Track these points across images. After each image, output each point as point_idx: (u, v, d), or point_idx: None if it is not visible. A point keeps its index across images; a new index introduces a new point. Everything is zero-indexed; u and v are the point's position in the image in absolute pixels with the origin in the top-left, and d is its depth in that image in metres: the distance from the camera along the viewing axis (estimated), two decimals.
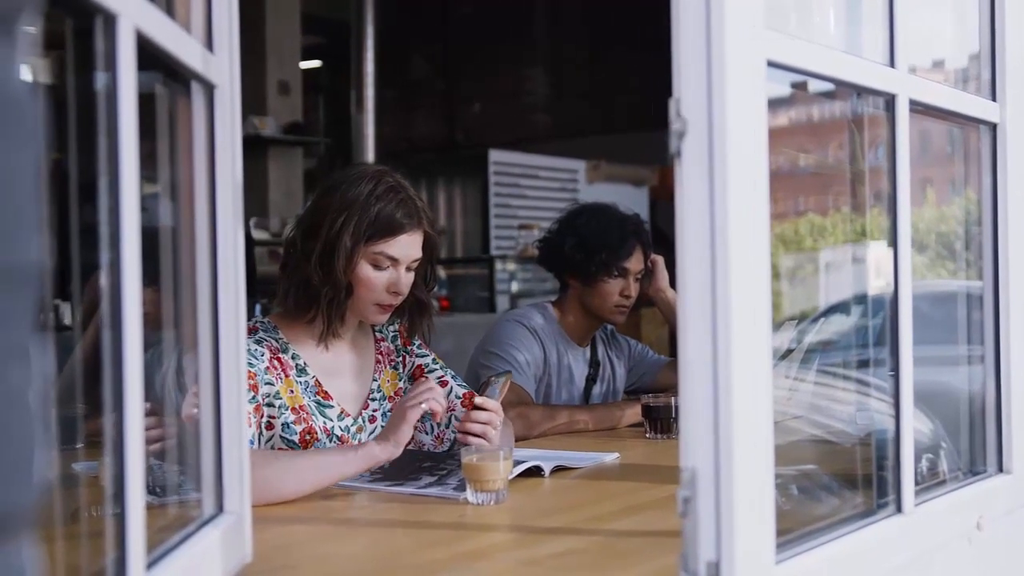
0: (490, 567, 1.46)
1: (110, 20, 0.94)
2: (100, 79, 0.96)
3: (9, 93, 0.52)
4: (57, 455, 1.03)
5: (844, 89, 1.52)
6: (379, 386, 2.20)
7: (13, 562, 0.53)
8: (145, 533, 0.98)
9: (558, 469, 2.07)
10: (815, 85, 1.46)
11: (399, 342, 2.27)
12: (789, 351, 1.84)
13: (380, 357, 2.23)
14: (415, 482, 1.92)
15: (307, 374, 2.09)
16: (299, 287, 2.07)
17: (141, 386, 0.97)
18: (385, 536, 1.66)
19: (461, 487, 1.82)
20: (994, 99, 1.72)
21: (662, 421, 2.54)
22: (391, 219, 2.03)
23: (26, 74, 0.54)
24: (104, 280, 0.96)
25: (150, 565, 1.03)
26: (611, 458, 2.24)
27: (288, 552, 1.52)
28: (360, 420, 2.14)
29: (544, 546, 1.53)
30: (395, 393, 2.22)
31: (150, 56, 1.05)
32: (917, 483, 1.47)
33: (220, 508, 1.30)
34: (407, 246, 2.07)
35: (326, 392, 2.10)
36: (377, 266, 2.05)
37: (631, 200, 5.98)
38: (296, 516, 1.75)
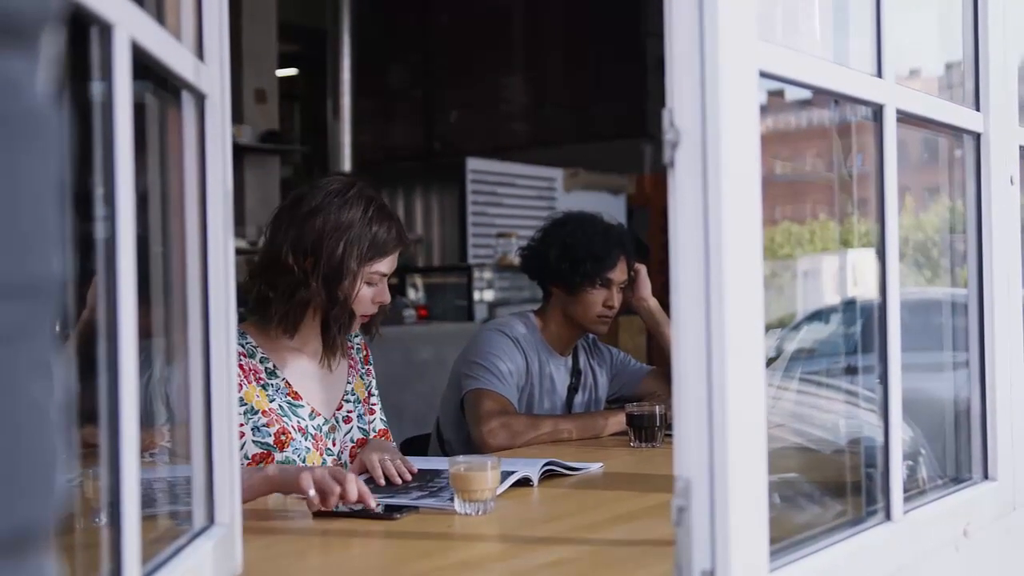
0: None
1: (106, 30, 0.94)
2: (95, 88, 0.96)
3: (32, 107, 0.51)
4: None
5: (823, 97, 1.53)
6: (352, 388, 2.29)
7: (37, 575, 0.52)
8: (140, 545, 0.97)
9: (548, 474, 2.07)
10: (792, 93, 1.47)
11: (360, 356, 2.36)
12: (771, 359, 1.85)
13: (352, 362, 2.32)
14: (406, 495, 1.90)
15: (277, 376, 2.16)
16: (299, 308, 2.12)
17: (136, 399, 0.96)
18: (374, 547, 1.65)
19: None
20: (978, 109, 1.74)
21: (646, 430, 2.54)
22: (387, 241, 2.17)
23: (47, 88, 0.54)
24: (99, 289, 0.95)
25: None
26: (596, 467, 2.24)
27: (278, 564, 1.51)
28: (333, 420, 2.22)
29: (536, 556, 1.52)
30: (362, 401, 2.32)
31: (142, 65, 1.04)
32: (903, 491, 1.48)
33: (211, 520, 1.29)
34: (394, 261, 2.21)
35: (296, 392, 2.17)
36: (370, 283, 2.17)
37: (608, 208, 5.97)
38: (286, 528, 1.74)
